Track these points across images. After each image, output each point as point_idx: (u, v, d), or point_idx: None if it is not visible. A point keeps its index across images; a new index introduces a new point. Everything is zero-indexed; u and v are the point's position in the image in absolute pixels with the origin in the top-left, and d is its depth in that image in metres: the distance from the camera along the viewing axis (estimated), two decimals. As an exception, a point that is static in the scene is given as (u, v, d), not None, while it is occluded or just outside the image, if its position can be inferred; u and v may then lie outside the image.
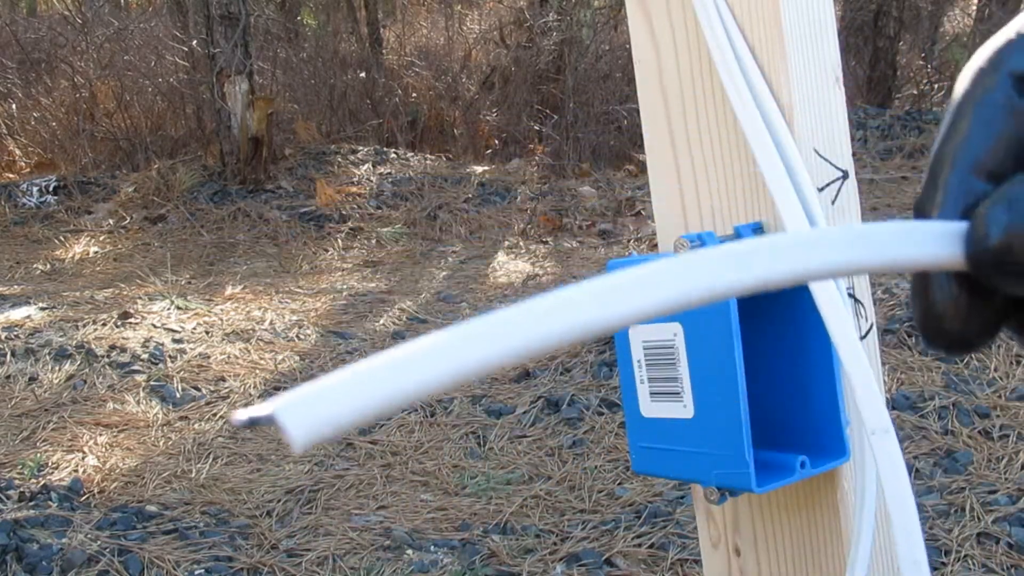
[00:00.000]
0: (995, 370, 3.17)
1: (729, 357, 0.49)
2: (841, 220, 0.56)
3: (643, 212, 6.20)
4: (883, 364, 3.26)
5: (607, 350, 3.58)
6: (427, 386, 0.24)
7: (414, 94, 8.29)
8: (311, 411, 0.23)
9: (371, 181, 6.73)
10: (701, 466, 0.52)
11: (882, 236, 0.28)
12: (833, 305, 0.48)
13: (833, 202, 0.56)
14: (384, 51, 9.03)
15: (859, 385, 0.47)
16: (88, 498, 2.71)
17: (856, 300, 0.56)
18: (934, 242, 0.28)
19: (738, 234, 0.53)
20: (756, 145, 0.54)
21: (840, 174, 0.56)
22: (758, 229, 0.55)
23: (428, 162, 7.25)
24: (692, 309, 0.51)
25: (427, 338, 0.24)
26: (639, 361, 0.54)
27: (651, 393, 0.54)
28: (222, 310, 4.35)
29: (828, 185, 0.56)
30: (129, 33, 8.36)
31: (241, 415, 0.24)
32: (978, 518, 2.40)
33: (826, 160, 0.56)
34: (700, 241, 0.51)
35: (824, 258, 0.27)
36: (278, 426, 0.23)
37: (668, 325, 0.52)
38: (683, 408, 0.52)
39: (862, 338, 0.56)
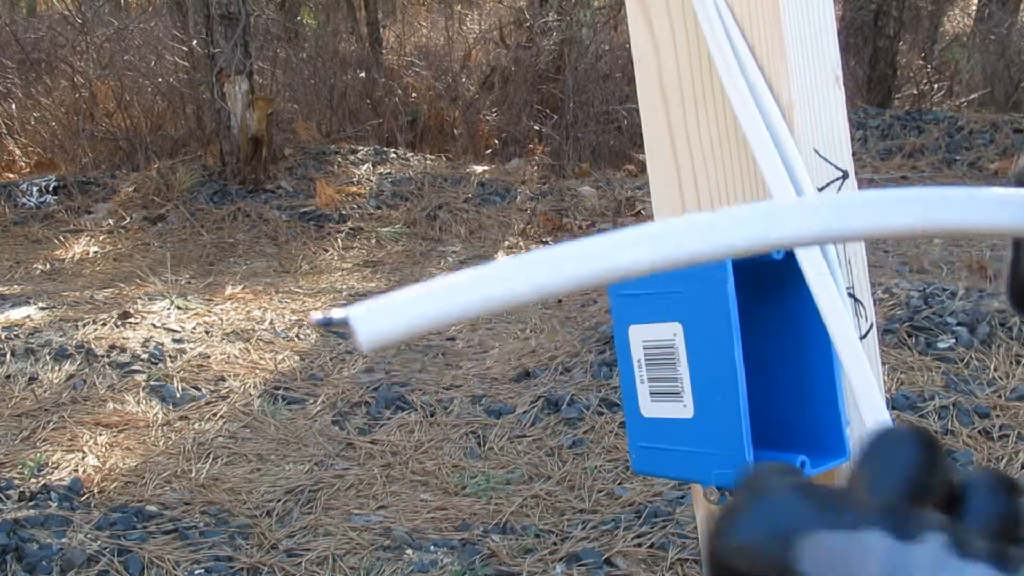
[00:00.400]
0: (995, 370, 3.16)
1: (729, 357, 0.49)
2: None
3: (643, 212, 6.20)
4: (883, 364, 3.25)
5: (607, 350, 3.58)
6: (474, 308, 0.28)
7: (414, 94, 8.29)
8: (379, 320, 0.27)
9: (371, 181, 6.73)
10: (701, 466, 0.52)
11: (960, 200, 0.29)
12: (833, 305, 0.48)
13: None
14: (384, 51, 9.03)
15: (859, 385, 0.47)
16: (88, 498, 2.71)
17: (856, 300, 0.56)
18: (1011, 209, 0.29)
19: None
20: (756, 145, 0.54)
21: (840, 174, 0.56)
22: None
23: (428, 162, 7.25)
24: (695, 307, 0.51)
25: (479, 268, 0.28)
26: (639, 361, 0.54)
27: (651, 393, 0.54)
28: (222, 310, 4.35)
29: (828, 185, 0.56)
30: (129, 33, 8.36)
31: (317, 316, 0.28)
32: (978, 518, 2.40)
33: (826, 160, 0.56)
34: None
35: (916, 215, 0.29)
36: (350, 328, 0.27)
37: (668, 325, 0.52)
38: (683, 408, 0.52)
39: (862, 338, 0.56)
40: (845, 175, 0.56)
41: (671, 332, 0.52)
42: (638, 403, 0.55)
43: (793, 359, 0.53)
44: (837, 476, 0.55)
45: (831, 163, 0.56)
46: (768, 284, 0.54)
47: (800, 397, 0.53)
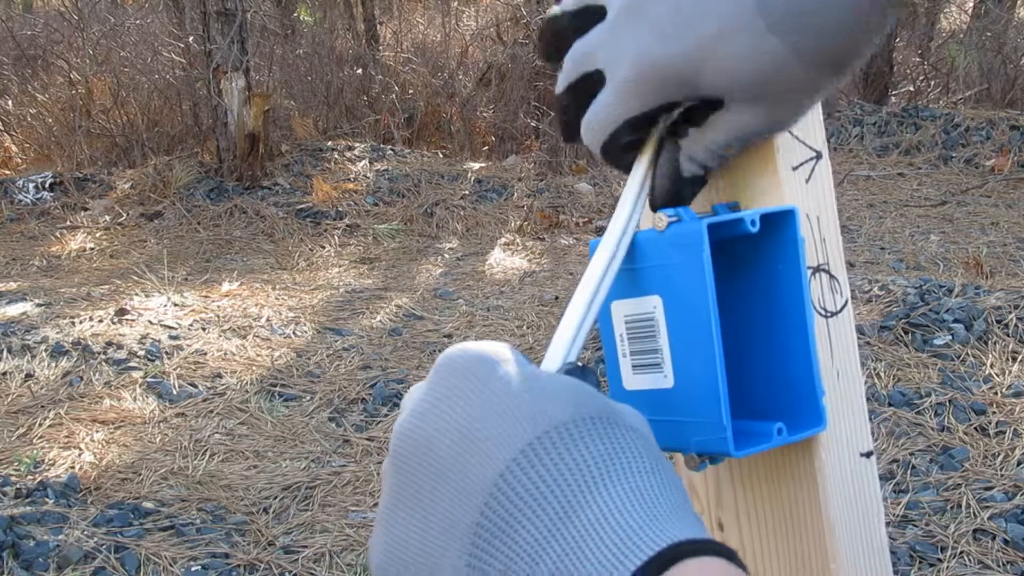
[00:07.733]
0: (991, 367, 3.17)
1: (707, 328, 0.50)
2: (815, 199, 0.58)
3: (640, 209, 6.19)
4: (880, 361, 3.26)
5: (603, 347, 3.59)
6: None
7: (411, 91, 8.29)
8: None
9: (368, 178, 6.73)
10: (682, 434, 0.53)
11: None
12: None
13: (807, 180, 0.58)
14: (381, 48, 9.03)
15: (561, 329, 0.51)
16: (85, 494, 2.71)
17: (831, 276, 0.58)
18: None
19: (715, 212, 0.55)
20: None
21: (814, 154, 0.58)
22: (735, 207, 0.56)
23: (424, 159, 7.25)
24: (674, 280, 0.52)
25: None
26: (621, 335, 0.56)
27: (633, 366, 0.55)
28: (219, 306, 4.34)
29: (802, 164, 0.57)
30: (125, 29, 8.36)
31: None
32: (974, 514, 2.40)
33: (800, 141, 0.58)
34: (677, 216, 0.52)
35: None
36: None
37: (648, 299, 0.53)
38: (664, 379, 0.53)
39: (837, 313, 0.58)
40: (819, 155, 0.58)
41: (651, 305, 0.53)
42: (621, 377, 0.56)
43: (769, 330, 0.55)
44: (815, 445, 0.56)
45: (805, 144, 0.58)
46: (745, 257, 0.55)
47: (777, 367, 0.55)
